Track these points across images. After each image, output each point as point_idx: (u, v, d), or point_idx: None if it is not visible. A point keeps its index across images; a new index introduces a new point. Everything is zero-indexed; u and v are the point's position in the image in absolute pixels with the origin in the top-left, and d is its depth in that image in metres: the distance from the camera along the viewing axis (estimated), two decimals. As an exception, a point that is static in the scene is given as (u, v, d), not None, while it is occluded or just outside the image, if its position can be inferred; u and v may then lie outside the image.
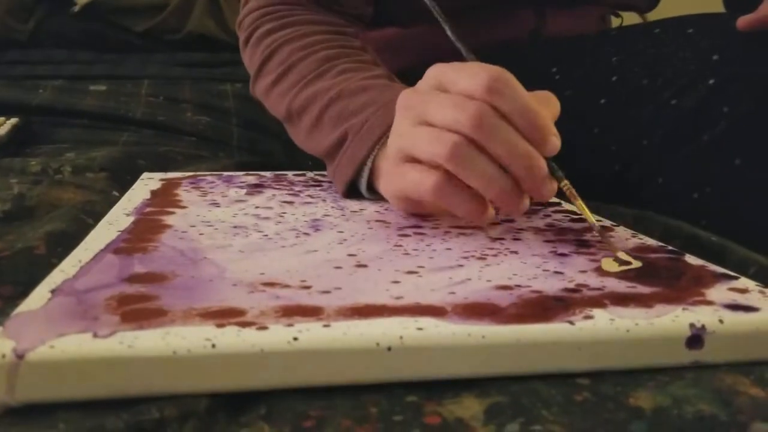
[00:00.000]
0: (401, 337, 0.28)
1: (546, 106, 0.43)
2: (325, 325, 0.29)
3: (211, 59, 1.21)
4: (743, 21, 0.61)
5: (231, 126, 0.99)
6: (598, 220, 0.50)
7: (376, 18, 0.74)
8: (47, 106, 0.95)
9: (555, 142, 0.41)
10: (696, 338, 0.30)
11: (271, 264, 0.38)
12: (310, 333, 0.28)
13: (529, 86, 0.70)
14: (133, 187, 0.59)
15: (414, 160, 0.45)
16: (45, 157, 0.74)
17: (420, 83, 0.45)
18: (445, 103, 0.42)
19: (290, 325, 0.29)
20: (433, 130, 0.42)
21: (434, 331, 0.29)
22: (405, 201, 0.48)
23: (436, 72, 0.44)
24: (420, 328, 0.29)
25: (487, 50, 0.74)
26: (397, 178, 0.46)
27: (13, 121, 0.83)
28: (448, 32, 0.49)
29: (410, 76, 0.64)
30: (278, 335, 0.28)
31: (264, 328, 0.28)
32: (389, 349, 0.28)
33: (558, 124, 0.69)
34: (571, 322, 0.30)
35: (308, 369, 0.27)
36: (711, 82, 0.59)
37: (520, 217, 0.49)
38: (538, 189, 0.42)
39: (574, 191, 0.43)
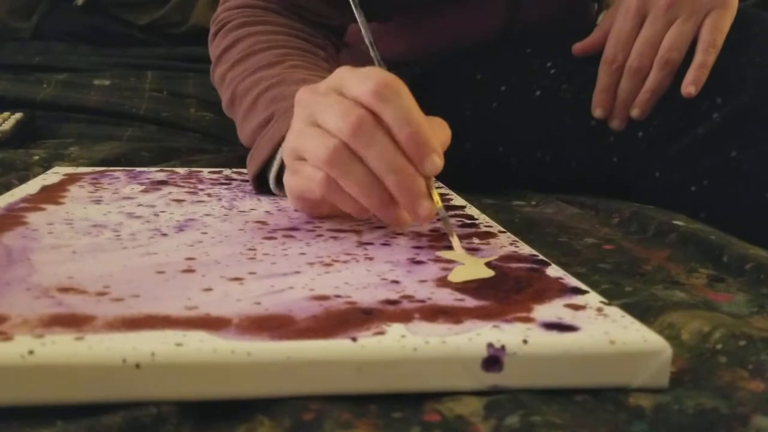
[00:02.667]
0: (153, 354, 0.26)
1: (435, 131, 0.41)
2: (78, 338, 0.27)
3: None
4: (578, 47, 0.66)
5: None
6: (487, 225, 0.47)
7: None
8: (51, 101, 0.95)
9: (436, 161, 0.39)
10: (493, 360, 0.27)
11: (89, 268, 0.35)
12: (54, 346, 0.26)
13: (528, 82, 0.68)
14: (33, 180, 0.58)
15: (304, 159, 0.43)
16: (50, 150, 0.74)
17: (322, 82, 0.43)
18: (332, 107, 0.40)
19: (41, 336, 0.27)
20: (318, 132, 0.41)
21: (194, 347, 0.26)
22: (301, 200, 0.46)
23: (337, 73, 0.42)
24: (179, 344, 0.26)
25: (468, 44, 0.73)
26: (291, 175, 0.45)
27: (18, 116, 0.83)
28: (365, 35, 0.48)
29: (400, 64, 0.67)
30: (16, 348, 0.26)
31: (9, 338, 0.26)
32: (137, 366, 0.26)
33: (555, 117, 0.67)
34: (354, 339, 0.27)
35: (42, 385, 0.25)
36: None
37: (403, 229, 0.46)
38: (412, 206, 0.39)
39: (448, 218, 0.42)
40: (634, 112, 0.61)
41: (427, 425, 0.26)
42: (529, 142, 0.68)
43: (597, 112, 0.63)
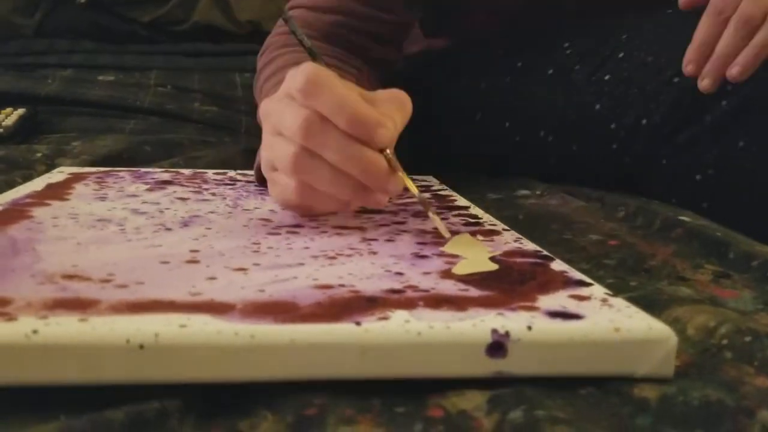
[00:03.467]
0: (157, 335, 0.26)
1: (396, 107, 0.42)
2: (82, 319, 0.27)
3: (217, 50, 1.19)
4: (684, 1, 0.60)
5: (239, 114, 0.98)
6: (491, 224, 0.47)
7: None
8: (55, 96, 0.95)
9: (383, 133, 0.39)
10: (498, 345, 0.27)
11: (94, 257, 0.35)
12: (58, 326, 0.26)
13: (543, 60, 0.69)
14: (38, 178, 0.58)
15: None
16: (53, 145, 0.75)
17: (279, 90, 0.44)
18: (284, 112, 0.41)
19: (44, 317, 0.27)
20: (281, 140, 0.42)
21: (198, 329, 0.26)
22: (287, 207, 0.47)
23: (286, 78, 0.43)
24: (183, 326, 0.26)
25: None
26: (271, 187, 0.46)
27: (20, 111, 0.83)
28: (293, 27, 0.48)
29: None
30: (20, 327, 0.26)
31: (13, 319, 0.26)
32: (141, 347, 0.26)
33: (563, 98, 0.67)
34: (358, 323, 0.27)
35: (45, 365, 0.25)
36: None
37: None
38: (382, 186, 0.41)
39: (412, 184, 0.42)
40: (734, 71, 0.54)
41: (431, 420, 0.26)
42: (534, 120, 0.68)
43: (689, 68, 0.56)
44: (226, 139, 0.86)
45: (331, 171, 0.40)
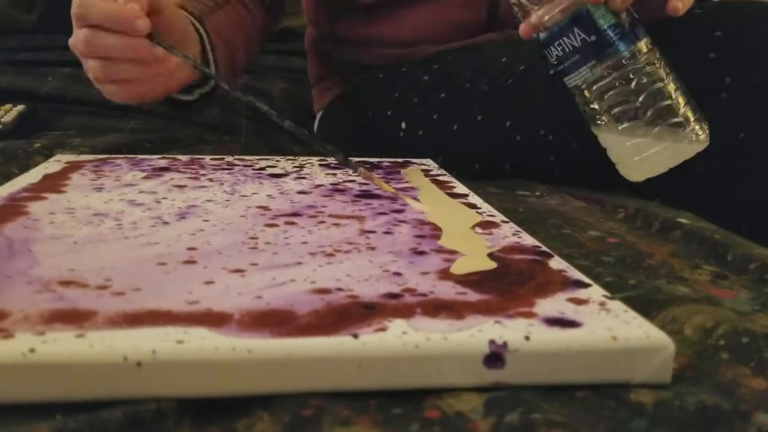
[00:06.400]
0: (154, 351, 0.26)
1: None
2: (79, 335, 0.27)
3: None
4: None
5: (240, 117, 0.97)
6: (490, 214, 0.47)
7: None
8: (56, 94, 0.95)
9: (141, 24, 0.52)
10: (496, 356, 0.27)
11: (91, 259, 0.35)
12: (55, 344, 0.26)
13: (545, 63, 0.68)
14: (35, 169, 0.58)
15: None
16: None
17: None
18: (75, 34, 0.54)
19: (42, 333, 0.27)
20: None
21: (195, 345, 0.26)
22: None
23: None
24: (180, 341, 0.26)
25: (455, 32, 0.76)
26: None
27: (20, 107, 0.83)
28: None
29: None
30: (17, 346, 0.26)
31: (10, 336, 0.26)
32: (139, 364, 0.26)
33: (564, 97, 0.68)
34: (356, 336, 0.27)
35: (43, 383, 0.25)
36: (712, 56, 0.58)
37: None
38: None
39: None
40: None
41: (427, 422, 0.26)
42: (534, 120, 0.68)
43: None
44: (225, 138, 0.86)
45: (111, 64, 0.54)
